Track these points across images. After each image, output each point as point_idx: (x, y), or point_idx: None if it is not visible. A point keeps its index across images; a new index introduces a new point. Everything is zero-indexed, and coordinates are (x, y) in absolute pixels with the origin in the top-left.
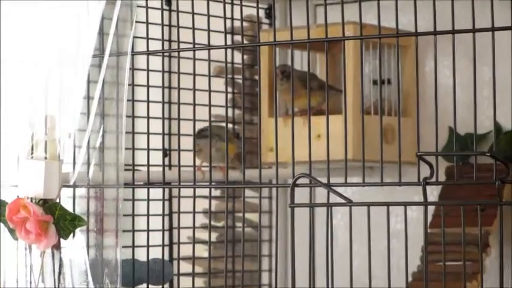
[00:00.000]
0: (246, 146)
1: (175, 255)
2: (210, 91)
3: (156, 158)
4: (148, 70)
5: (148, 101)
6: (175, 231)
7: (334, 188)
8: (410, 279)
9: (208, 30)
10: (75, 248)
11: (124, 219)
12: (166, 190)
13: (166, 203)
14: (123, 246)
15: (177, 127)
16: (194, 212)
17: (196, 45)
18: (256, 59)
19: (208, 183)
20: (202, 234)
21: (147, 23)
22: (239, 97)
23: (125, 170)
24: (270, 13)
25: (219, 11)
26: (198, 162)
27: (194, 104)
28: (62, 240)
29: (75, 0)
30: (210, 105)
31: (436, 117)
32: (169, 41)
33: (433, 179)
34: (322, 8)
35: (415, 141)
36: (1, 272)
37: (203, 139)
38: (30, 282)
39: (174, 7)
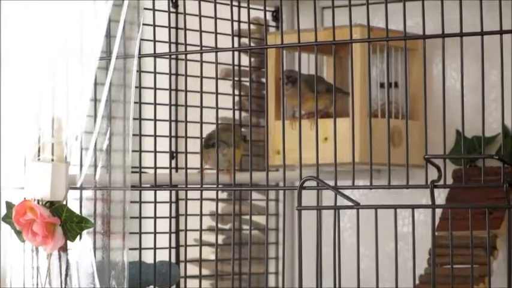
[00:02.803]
0: (253, 149)
1: (182, 258)
2: (217, 93)
3: (163, 160)
4: (155, 72)
5: (155, 104)
6: (182, 234)
7: (341, 190)
8: (417, 282)
9: (216, 33)
10: (82, 250)
11: (131, 221)
12: (173, 192)
13: (173, 205)
14: (130, 249)
15: (184, 129)
16: (201, 215)
17: (203, 48)
18: (263, 61)
19: (215, 186)
20: (209, 237)
21: (154, 25)
22: (246, 100)
23: (132, 172)
24: (277, 16)
25: (226, 14)
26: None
27: (201, 107)
28: (68, 242)
29: (81, 0)
30: (217, 108)
31: (444, 120)
32: (177, 43)
33: (441, 182)
34: (330, 11)
35: (423, 144)
36: (8, 274)
37: (210, 148)
38: (37, 284)
39: (181, 9)
